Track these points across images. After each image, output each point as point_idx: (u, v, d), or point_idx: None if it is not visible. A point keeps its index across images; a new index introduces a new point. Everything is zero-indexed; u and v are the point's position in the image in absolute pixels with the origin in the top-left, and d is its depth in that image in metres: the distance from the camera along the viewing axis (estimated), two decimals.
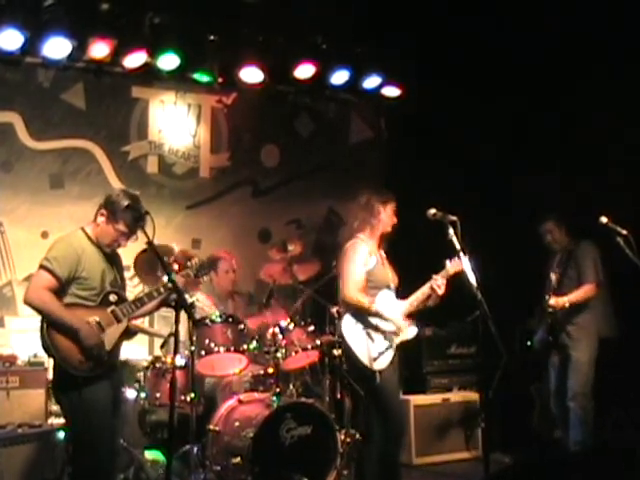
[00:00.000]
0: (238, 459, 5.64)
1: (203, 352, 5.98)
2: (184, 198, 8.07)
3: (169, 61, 7.41)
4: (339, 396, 6.33)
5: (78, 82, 7.62)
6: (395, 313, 5.37)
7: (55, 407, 6.05)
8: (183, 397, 5.83)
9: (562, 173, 7.09)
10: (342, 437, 6.00)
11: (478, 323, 4.82)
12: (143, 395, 6.08)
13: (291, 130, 8.67)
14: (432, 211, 5.04)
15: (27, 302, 4.68)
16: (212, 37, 7.51)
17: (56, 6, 6.69)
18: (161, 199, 7.85)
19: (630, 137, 6.72)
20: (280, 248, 6.98)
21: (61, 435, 5.71)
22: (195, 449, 5.77)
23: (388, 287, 5.45)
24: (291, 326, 6.27)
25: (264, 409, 5.80)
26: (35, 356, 6.38)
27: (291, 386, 6.40)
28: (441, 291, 5.35)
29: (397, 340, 5.36)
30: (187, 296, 5.13)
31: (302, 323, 6.38)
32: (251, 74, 7.82)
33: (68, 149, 7.58)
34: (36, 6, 6.71)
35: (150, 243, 4.75)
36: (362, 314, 5.34)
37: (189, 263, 5.26)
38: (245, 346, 6.13)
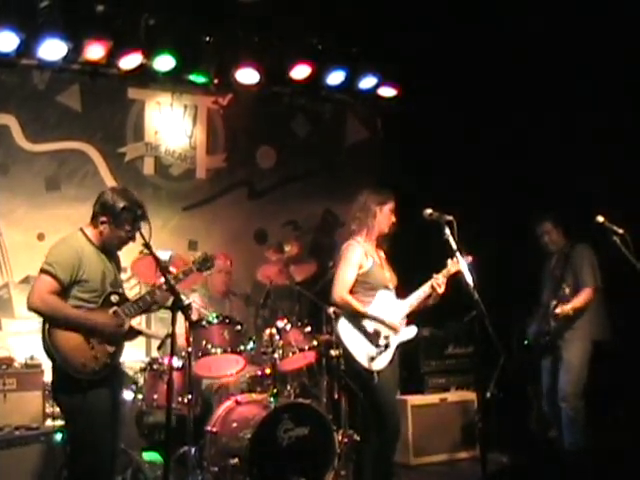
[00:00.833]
0: (236, 460, 5.63)
1: (200, 353, 5.98)
2: (180, 199, 8.07)
3: (165, 62, 7.41)
4: (336, 397, 6.34)
5: (74, 84, 7.61)
6: (392, 314, 5.37)
7: (52, 409, 6.06)
8: (180, 398, 5.83)
9: (561, 172, 7.08)
10: (339, 438, 6.00)
11: (475, 323, 4.82)
12: (140, 397, 6.08)
13: (287, 131, 8.67)
14: (428, 211, 5.04)
15: (32, 308, 4.62)
16: (208, 38, 7.51)
17: (51, 8, 6.68)
18: (157, 201, 7.85)
19: (630, 137, 6.73)
20: (277, 249, 6.98)
21: (59, 437, 5.70)
22: (193, 450, 5.75)
23: (386, 288, 5.45)
24: (288, 327, 6.27)
25: (261, 410, 5.80)
26: (32, 358, 6.37)
27: (288, 387, 6.41)
28: (441, 290, 5.36)
29: (396, 340, 5.37)
30: (184, 297, 5.12)
31: (299, 324, 6.39)
32: (247, 75, 7.82)
33: (64, 151, 7.57)
34: (31, 8, 6.70)
35: (147, 245, 4.74)
36: (356, 315, 5.35)
37: (192, 258, 5.25)
38: (242, 347, 6.13)
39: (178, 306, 4.69)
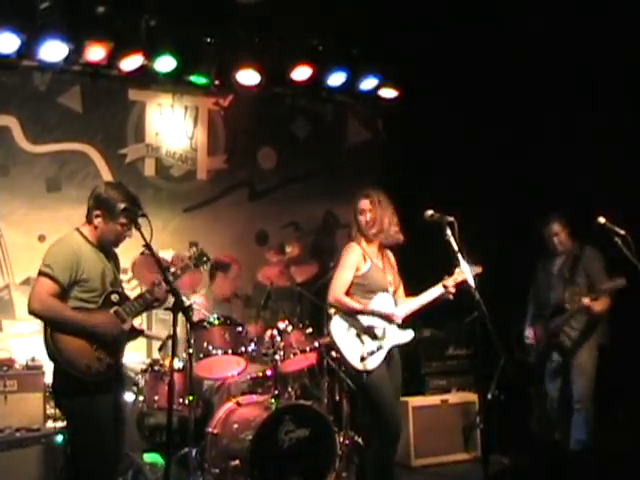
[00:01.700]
0: (237, 462, 5.63)
1: (201, 355, 5.97)
2: (181, 201, 8.07)
3: (166, 64, 7.42)
4: (337, 398, 6.35)
5: (75, 85, 7.62)
6: (389, 309, 5.36)
7: (53, 411, 6.06)
8: (181, 400, 5.83)
9: (561, 172, 7.07)
10: (341, 439, 6.00)
11: (476, 324, 4.82)
12: (141, 398, 6.08)
13: (288, 132, 8.67)
14: (429, 212, 5.02)
15: (32, 312, 4.54)
16: (209, 39, 7.52)
17: (52, 9, 6.68)
18: (158, 202, 7.85)
19: (630, 137, 6.73)
20: (278, 250, 6.99)
21: (59, 439, 5.70)
22: (194, 452, 5.76)
23: (385, 291, 5.43)
24: (289, 328, 6.27)
25: (262, 411, 5.80)
26: (33, 360, 6.36)
27: (289, 388, 6.40)
28: (453, 290, 5.29)
29: (390, 343, 5.34)
30: (185, 298, 5.11)
31: (300, 325, 6.39)
32: (248, 76, 7.83)
33: (65, 152, 7.58)
34: (32, 9, 6.70)
35: (148, 245, 4.72)
36: (350, 315, 5.34)
37: (187, 252, 5.20)
38: (243, 348, 6.12)
39: (179, 307, 4.67)
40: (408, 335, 5.41)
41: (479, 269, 5.25)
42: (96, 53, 7.12)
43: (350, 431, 6.22)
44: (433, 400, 7.35)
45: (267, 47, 7.76)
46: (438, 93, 7.82)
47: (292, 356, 6.21)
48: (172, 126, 8.11)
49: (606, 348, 6.47)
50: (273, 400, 5.89)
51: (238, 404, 6.03)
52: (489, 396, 5.89)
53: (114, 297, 4.72)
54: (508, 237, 7.26)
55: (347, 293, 5.38)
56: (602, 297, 6.24)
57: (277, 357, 6.09)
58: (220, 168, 8.34)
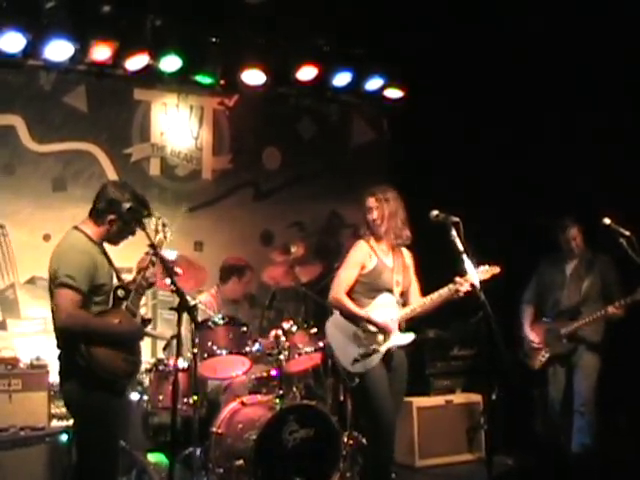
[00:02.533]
0: (241, 462, 5.63)
1: (206, 355, 5.97)
2: (186, 200, 8.07)
3: (171, 63, 7.42)
4: (342, 398, 6.34)
5: (80, 85, 7.62)
6: (387, 317, 5.30)
7: (57, 410, 6.07)
8: (186, 400, 5.82)
9: (561, 172, 7.06)
10: (345, 439, 6.00)
11: (481, 325, 4.80)
12: (146, 398, 6.08)
13: (293, 132, 8.67)
14: (434, 212, 5.01)
15: (63, 328, 4.33)
16: (214, 39, 7.52)
17: (58, 9, 6.70)
18: (163, 201, 7.83)
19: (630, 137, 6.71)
20: (282, 250, 6.97)
21: (64, 438, 5.70)
22: (198, 452, 5.75)
23: (389, 290, 5.39)
24: (294, 328, 6.27)
25: (267, 411, 5.79)
26: (37, 359, 6.37)
27: (294, 388, 6.40)
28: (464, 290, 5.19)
29: (387, 345, 5.29)
30: (189, 298, 5.10)
31: (305, 325, 6.38)
32: (253, 76, 7.83)
33: (70, 152, 7.58)
34: (38, 9, 6.71)
35: (152, 245, 4.71)
36: (348, 316, 5.33)
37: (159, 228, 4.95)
38: (248, 348, 6.12)
39: (184, 307, 4.66)
40: (408, 338, 5.36)
41: (496, 269, 5.20)
42: (101, 53, 7.12)
43: (354, 431, 6.21)
44: (437, 401, 7.35)
45: (272, 47, 7.76)
46: (437, 92, 7.82)
47: (297, 356, 6.21)
48: (177, 126, 8.11)
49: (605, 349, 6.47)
50: (277, 400, 5.88)
51: (242, 404, 6.03)
52: (493, 397, 5.88)
53: (120, 292, 4.56)
54: (508, 237, 7.25)
55: (351, 291, 5.36)
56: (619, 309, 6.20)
57: (282, 357, 6.08)
58: (225, 168, 8.34)
